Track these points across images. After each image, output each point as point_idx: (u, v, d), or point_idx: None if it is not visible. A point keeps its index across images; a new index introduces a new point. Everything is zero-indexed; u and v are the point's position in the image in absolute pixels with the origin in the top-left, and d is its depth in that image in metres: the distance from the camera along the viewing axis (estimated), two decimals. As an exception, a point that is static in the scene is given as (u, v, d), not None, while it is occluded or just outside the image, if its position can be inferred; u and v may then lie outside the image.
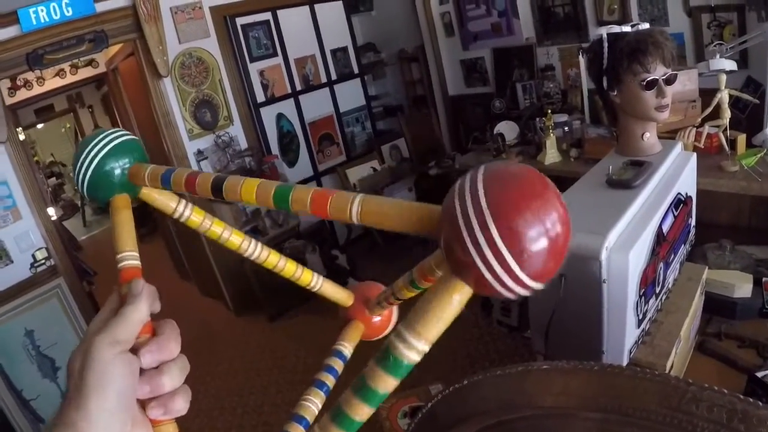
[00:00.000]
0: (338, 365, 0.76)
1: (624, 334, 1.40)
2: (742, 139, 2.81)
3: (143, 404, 0.53)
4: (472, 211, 0.38)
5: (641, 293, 1.41)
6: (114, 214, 0.65)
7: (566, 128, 3.71)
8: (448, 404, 1.22)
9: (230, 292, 5.31)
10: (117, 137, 0.66)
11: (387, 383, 0.44)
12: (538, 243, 0.37)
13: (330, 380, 0.72)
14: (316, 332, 4.63)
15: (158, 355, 0.55)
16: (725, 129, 2.78)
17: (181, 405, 0.55)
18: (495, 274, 0.38)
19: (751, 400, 0.89)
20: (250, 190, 0.55)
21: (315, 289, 0.76)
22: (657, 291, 1.55)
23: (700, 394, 0.99)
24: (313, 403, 0.74)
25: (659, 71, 1.68)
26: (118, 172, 0.65)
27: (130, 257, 0.64)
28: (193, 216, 0.67)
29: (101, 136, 0.66)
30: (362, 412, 0.45)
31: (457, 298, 0.42)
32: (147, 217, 8.23)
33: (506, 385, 1.18)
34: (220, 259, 5.17)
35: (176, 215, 0.67)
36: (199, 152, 4.99)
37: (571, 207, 1.27)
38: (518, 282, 0.38)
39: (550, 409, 1.14)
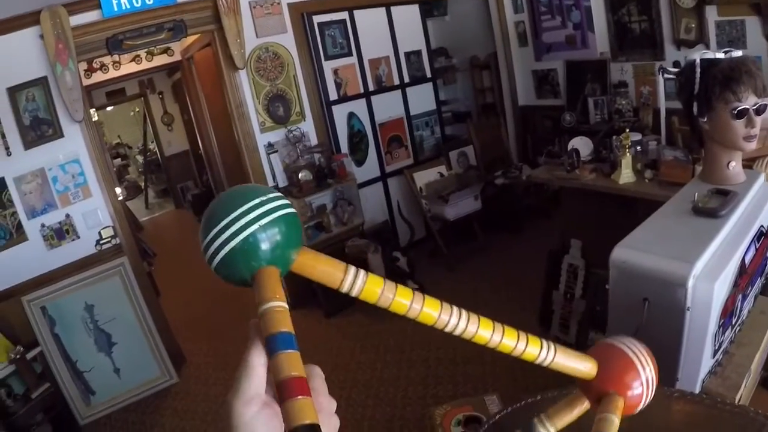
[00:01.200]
0: None
1: (700, 363, 1.40)
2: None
3: None
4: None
5: (720, 323, 1.42)
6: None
7: (639, 147, 3.67)
8: (516, 419, 1.24)
9: (288, 284, 5.33)
10: (277, 208, 0.55)
11: None
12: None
13: None
14: (371, 332, 4.67)
15: (323, 416, 0.53)
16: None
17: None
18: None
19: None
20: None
21: (546, 364, 0.68)
22: (733, 322, 1.55)
23: (777, 428, 1.01)
24: None
25: (750, 101, 1.68)
26: (270, 248, 0.55)
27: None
28: (369, 285, 0.57)
29: (256, 201, 0.55)
30: None
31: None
32: (209, 203, 8.35)
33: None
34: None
35: (345, 288, 0.57)
36: (270, 145, 5.07)
37: (658, 232, 1.30)
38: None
39: (622, 431, 1.16)
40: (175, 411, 4.25)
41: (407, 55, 5.97)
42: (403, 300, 0.57)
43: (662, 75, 3.53)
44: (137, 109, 11.70)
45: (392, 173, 5.97)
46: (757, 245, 1.64)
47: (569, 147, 3.62)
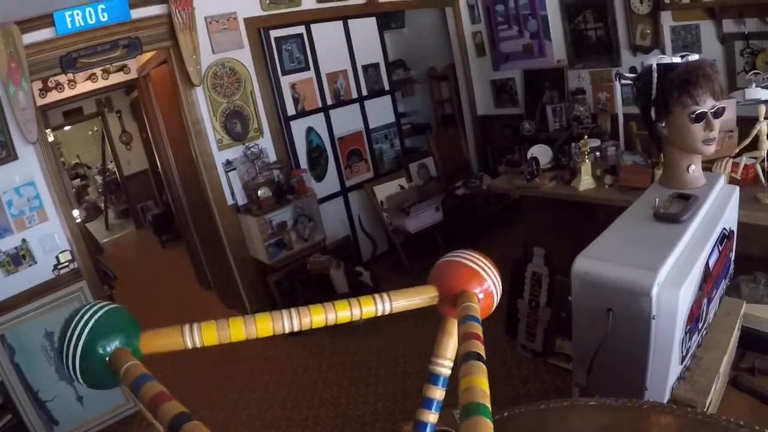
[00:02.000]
0: (438, 393, 0.71)
1: (668, 370, 1.38)
2: (778, 170, 2.76)
3: None
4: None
5: (687, 329, 1.39)
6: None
7: (598, 153, 3.68)
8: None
9: (253, 305, 5.29)
10: (96, 312, 0.60)
11: None
12: None
13: (432, 417, 0.67)
14: (336, 349, 4.62)
15: None
16: (762, 160, 2.74)
17: None
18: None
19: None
20: None
21: (387, 313, 0.69)
22: (700, 327, 1.53)
23: (751, 437, 0.98)
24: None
25: (708, 104, 1.67)
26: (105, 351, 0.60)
27: None
28: (205, 333, 0.61)
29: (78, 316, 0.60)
30: None
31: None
32: (170, 223, 8.26)
33: (549, 419, 1.17)
34: (242, 270, 5.18)
35: (190, 345, 0.62)
36: (228, 163, 4.99)
37: (620, 240, 1.27)
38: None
39: (593, 445, 1.12)
40: (139, 438, 4.12)
41: (365, 68, 5.96)
42: (237, 329, 0.61)
43: (619, 81, 3.54)
44: (95, 128, 11.55)
45: (352, 187, 5.95)
46: (721, 248, 1.62)
47: (528, 155, 3.62)
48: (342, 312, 0.65)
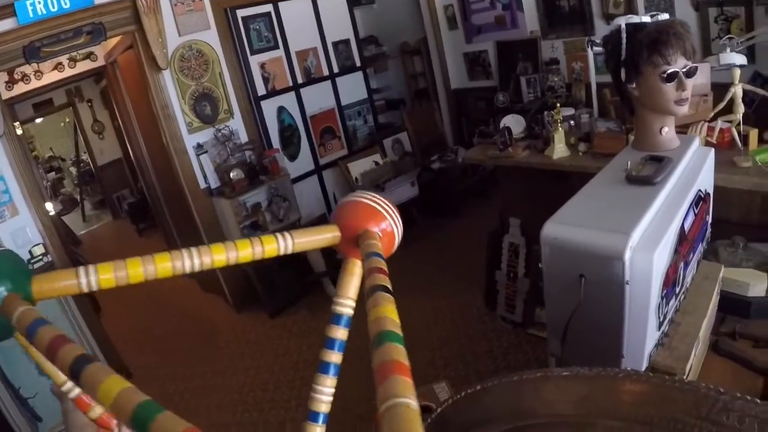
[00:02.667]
0: (340, 333, 0.68)
1: (645, 337, 1.34)
2: (754, 134, 2.74)
3: None
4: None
5: (663, 294, 1.35)
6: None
7: (572, 122, 3.65)
8: (460, 408, 1.17)
9: (230, 288, 5.25)
10: None
11: None
12: None
13: (335, 357, 0.64)
14: (316, 328, 4.58)
15: None
16: (738, 124, 2.72)
17: None
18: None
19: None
20: (108, 392, 0.44)
21: (290, 251, 0.65)
22: (677, 291, 1.49)
23: (731, 403, 0.94)
24: (324, 393, 0.68)
25: (680, 63, 1.62)
26: None
27: None
28: (102, 275, 0.55)
29: None
30: None
31: None
32: (146, 211, 8.16)
33: (524, 391, 1.13)
34: (219, 254, 5.11)
35: (86, 288, 0.56)
36: (199, 146, 4.91)
37: (591, 204, 1.21)
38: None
39: (568, 416, 1.09)
40: (122, 428, 4.08)
41: (335, 44, 5.89)
42: (135, 270, 0.56)
43: (591, 48, 3.51)
44: (67, 120, 11.35)
45: (327, 165, 5.91)
46: (696, 210, 1.58)
47: (501, 125, 3.58)
48: (243, 251, 0.61)
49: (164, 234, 6.59)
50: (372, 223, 0.71)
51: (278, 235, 0.64)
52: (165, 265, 0.57)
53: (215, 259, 0.60)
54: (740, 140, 2.70)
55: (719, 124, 2.74)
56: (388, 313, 0.50)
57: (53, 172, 12.15)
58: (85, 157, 11.34)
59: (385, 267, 0.59)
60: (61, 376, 0.51)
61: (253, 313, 5.16)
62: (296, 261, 5.02)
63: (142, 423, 0.41)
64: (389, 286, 0.54)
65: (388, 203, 0.73)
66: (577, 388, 1.08)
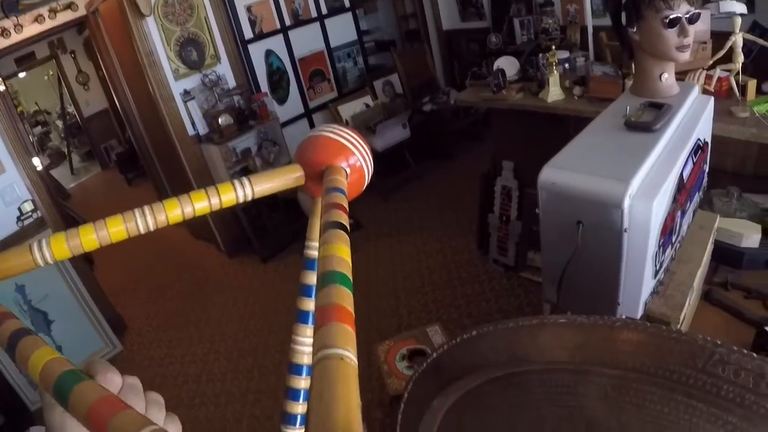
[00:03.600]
0: (314, 278, 0.64)
1: (641, 285, 1.33)
2: (752, 84, 2.70)
3: None
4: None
5: (660, 243, 1.34)
6: None
7: (567, 65, 3.60)
8: (456, 354, 1.16)
9: (222, 235, 5.25)
10: None
11: None
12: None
13: (313, 304, 0.59)
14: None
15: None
16: (736, 73, 2.68)
17: None
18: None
19: (781, 365, 0.84)
20: (36, 364, 0.42)
21: (251, 198, 0.61)
22: (673, 240, 1.48)
23: (727, 356, 0.93)
24: (305, 345, 0.65)
25: (683, 9, 1.57)
26: None
27: None
28: (55, 246, 0.52)
29: None
30: None
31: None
32: (135, 161, 8.08)
33: (519, 337, 1.12)
34: (209, 200, 5.08)
35: (41, 262, 0.53)
36: (186, 92, 4.84)
37: (589, 150, 1.18)
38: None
39: (564, 363, 1.08)
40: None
41: (324, -15, 5.74)
42: (89, 236, 0.53)
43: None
44: (51, 73, 11.10)
45: (316, 108, 5.84)
46: (695, 159, 1.56)
47: (494, 67, 3.53)
48: (199, 203, 0.58)
49: (154, 183, 6.53)
50: (337, 158, 0.65)
51: (236, 182, 0.60)
52: (118, 228, 0.55)
53: (170, 216, 0.58)
54: (738, 90, 2.67)
55: (717, 72, 2.71)
56: (339, 252, 0.44)
57: (39, 127, 11.97)
58: (70, 109, 11.17)
59: (344, 202, 0.55)
60: None
61: (246, 258, 5.17)
62: (287, 204, 5.01)
63: (63, 393, 0.39)
64: (345, 224, 0.50)
65: (355, 135, 0.67)
66: (573, 336, 1.07)
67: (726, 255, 1.86)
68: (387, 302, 4.02)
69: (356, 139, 0.66)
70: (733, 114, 2.55)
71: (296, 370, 0.69)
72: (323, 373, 0.33)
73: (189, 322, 4.52)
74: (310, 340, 0.67)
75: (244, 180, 0.60)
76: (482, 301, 3.75)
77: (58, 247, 0.52)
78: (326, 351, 0.34)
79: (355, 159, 0.66)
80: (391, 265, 4.46)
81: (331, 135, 0.66)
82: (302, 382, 0.70)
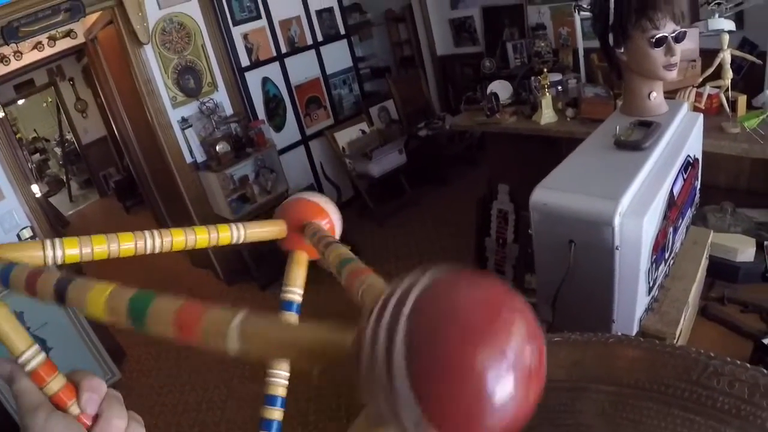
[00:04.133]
0: (293, 318, 0.73)
1: (635, 302, 1.34)
2: (742, 100, 2.73)
3: None
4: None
5: (653, 260, 1.36)
6: None
7: (560, 87, 3.65)
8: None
9: (221, 263, 5.25)
10: None
11: None
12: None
13: None
14: (309, 300, 4.57)
15: None
16: (726, 90, 2.71)
17: None
18: None
19: (775, 374, 0.84)
20: (97, 299, 0.44)
21: (242, 241, 0.68)
22: (666, 257, 1.50)
23: (721, 368, 0.94)
24: (281, 377, 0.69)
25: (668, 28, 1.60)
26: None
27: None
28: (67, 247, 0.53)
29: None
30: None
31: None
32: (133, 188, 8.09)
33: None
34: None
35: (50, 260, 0.53)
36: (184, 120, 4.86)
37: (580, 170, 1.20)
38: None
39: (560, 382, 1.09)
40: (121, 407, 4.11)
41: (319, 13, 5.81)
42: (101, 246, 0.55)
43: (578, 13, 3.48)
44: (50, 100, 11.16)
45: (313, 135, 5.87)
46: (685, 176, 1.58)
47: (488, 91, 3.56)
48: (201, 236, 0.64)
49: (152, 211, 6.55)
50: (318, 217, 0.74)
51: (233, 225, 0.68)
52: (128, 245, 0.58)
53: (175, 241, 0.62)
54: (728, 106, 2.70)
55: (707, 89, 2.74)
56: (346, 252, 0.54)
57: (38, 154, 11.98)
58: (69, 136, 11.18)
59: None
60: (19, 346, 0.49)
61: (244, 285, 5.17)
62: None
63: (140, 311, 0.42)
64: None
65: (328, 199, 0.76)
66: (569, 354, 1.08)
67: (721, 270, 1.87)
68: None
69: (329, 202, 0.76)
70: (724, 130, 2.57)
71: (270, 401, 0.74)
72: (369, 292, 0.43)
73: (188, 350, 4.50)
74: (286, 374, 0.73)
75: (240, 225, 0.68)
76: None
77: (71, 248, 0.53)
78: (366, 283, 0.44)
79: (328, 219, 0.74)
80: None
81: (310, 198, 0.75)
82: (275, 413, 0.73)
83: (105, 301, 0.43)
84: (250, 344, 0.38)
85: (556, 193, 1.38)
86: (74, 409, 0.49)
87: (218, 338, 0.39)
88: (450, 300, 0.30)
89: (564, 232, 1.33)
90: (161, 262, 6.11)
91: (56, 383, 0.49)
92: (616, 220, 1.24)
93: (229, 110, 5.13)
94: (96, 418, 0.50)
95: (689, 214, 1.73)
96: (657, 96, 1.73)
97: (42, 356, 0.50)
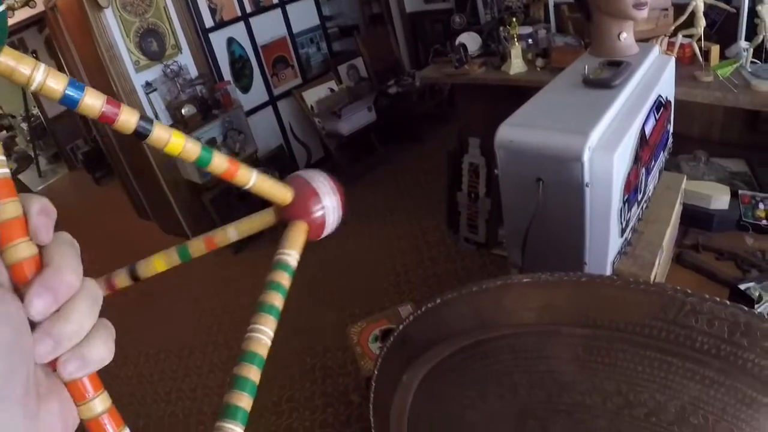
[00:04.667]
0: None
1: (607, 243, 1.30)
2: (716, 50, 2.70)
3: (51, 365, 0.37)
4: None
5: (624, 199, 1.31)
6: None
7: (530, 40, 3.59)
8: (421, 326, 1.13)
9: (191, 227, 5.17)
10: None
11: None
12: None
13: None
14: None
15: (51, 297, 0.36)
16: (699, 39, 2.68)
17: (101, 350, 0.38)
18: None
19: (756, 312, 0.80)
20: (177, 143, 0.45)
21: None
22: (639, 198, 1.46)
23: (700, 305, 0.89)
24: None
25: (638, -35, 1.55)
26: None
27: None
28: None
29: None
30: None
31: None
32: (102, 160, 7.96)
33: (484, 301, 1.08)
34: (177, 194, 5.02)
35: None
36: (148, 84, 4.75)
37: (547, 107, 1.13)
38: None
39: (531, 326, 1.05)
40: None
41: (284, -29, 5.67)
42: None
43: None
44: (13, 74, 10.90)
45: (281, 95, 5.79)
46: (657, 116, 1.54)
47: (456, 43, 3.50)
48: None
49: (121, 180, 6.43)
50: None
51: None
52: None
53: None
54: (701, 56, 2.66)
55: (680, 38, 2.70)
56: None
57: (4, 131, 11.72)
58: (35, 111, 11.00)
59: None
60: None
61: (217, 251, 5.10)
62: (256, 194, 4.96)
63: (207, 159, 0.48)
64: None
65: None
66: (540, 295, 1.04)
67: (696, 217, 1.87)
68: (359, 285, 4.00)
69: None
70: (697, 78, 2.55)
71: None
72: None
73: (160, 316, 4.45)
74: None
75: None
76: (454, 279, 3.73)
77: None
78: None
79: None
80: (361, 248, 4.43)
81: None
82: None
83: (183, 144, 0.45)
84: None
85: (522, 129, 1.33)
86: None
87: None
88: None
89: (531, 171, 1.29)
90: (131, 230, 6.06)
91: (100, 404, 0.39)
92: (586, 155, 1.19)
93: (194, 72, 5.03)
94: (41, 267, 0.37)
95: (662, 158, 1.69)
96: (627, 37, 1.69)
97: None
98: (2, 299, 0.34)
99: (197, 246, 0.61)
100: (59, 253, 0.38)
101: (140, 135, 0.43)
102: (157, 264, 0.59)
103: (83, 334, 0.37)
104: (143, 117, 0.43)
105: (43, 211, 0.38)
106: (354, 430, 2.95)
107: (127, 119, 0.42)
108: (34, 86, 0.40)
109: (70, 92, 0.40)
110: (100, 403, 0.38)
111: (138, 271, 0.59)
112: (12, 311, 0.34)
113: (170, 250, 0.60)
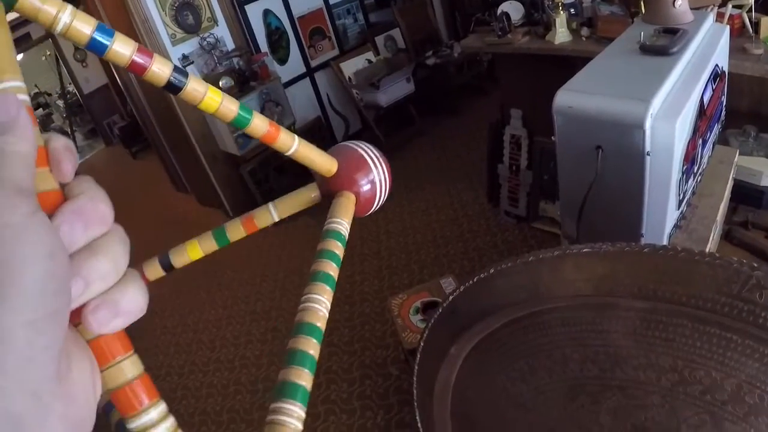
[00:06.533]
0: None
1: (665, 214, 1.27)
2: (766, 21, 2.62)
3: (74, 317, 0.31)
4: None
5: (683, 170, 1.28)
6: None
7: (573, 10, 3.51)
8: (472, 297, 1.11)
9: (229, 200, 5.19)
10: None
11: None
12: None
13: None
14: (318, 234, 4.56)
15: (82, 225, 0.32)
16: (749, 10, 2.59)
17: (137, 299, 0.33)
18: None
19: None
20: (211, 102, 0.44)
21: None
22: (695, 170, 1.42)
23: (765, 280, 0.86)
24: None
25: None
26: None
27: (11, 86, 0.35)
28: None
29: None
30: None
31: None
32: (138, 134, 8.03)
33: (541, 272, 1.06)
34: (214, 166, 5.03)
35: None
36: (185, 57, 4.74)
37: (606, 73, 1.10)
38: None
39: (588, 297, 1.02)
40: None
41: (321, -60, 5.62)
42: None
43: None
44: (48, 53, 10.97)
45: (318, 67, 5.74)
46: (714, 86, 1.49)
47: (498, 12, 3.44)
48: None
49: (158, 153, 6.47)
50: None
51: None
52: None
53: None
54: (751, 27, 2.58)
55: (729, 9, 2.62)
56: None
57: (40, 109, 11.85)
58: (70, 88, 11.08)
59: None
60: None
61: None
62: (295, 165, 4.95)
63: (246, 120, 0.47)
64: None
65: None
66: (598, 266, 1.01)
67: (745, 194, 1.83)
68: (398, 258, 3.98)
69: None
70: (747, 51, 2.46)
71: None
72: None
73: (200, 287, 4.49)
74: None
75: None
76: (495, 253, 3.70)
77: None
78: None
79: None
80: (400, 221, 4.41)
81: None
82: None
83: (220, 101, 0.44)
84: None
85: (582, 95, 1.30)
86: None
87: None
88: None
89: (590, 138, 1.26)
90: (169, 202, 6.10)
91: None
92: (648, 123, 1.16)
93: (230, 45, 5.00)
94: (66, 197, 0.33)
95: (716, 129, 1.65)
96: (682, 4, 1.65)
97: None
98: (50, 229, 0.29)
99: (236, 229, 0.59)
100: (89, 187, 0.35)
101: (173, 87, 0.41)
102: (192, 252, 0.58)
103: (117, 277, 0.33)
104: (177, 68, 0.41)
105: (67, 147, 0.35)
106: (392, 402, 2.95)
107: (160, 69, 0.40)
108: (59, 28, 0.38)
109: (99, 37, 0.38)
110: (131, 366, 0.33)
111: (172, 261, 0.58)
112: (60, 244, 0.29)
113: (205, 236, 0.58)
